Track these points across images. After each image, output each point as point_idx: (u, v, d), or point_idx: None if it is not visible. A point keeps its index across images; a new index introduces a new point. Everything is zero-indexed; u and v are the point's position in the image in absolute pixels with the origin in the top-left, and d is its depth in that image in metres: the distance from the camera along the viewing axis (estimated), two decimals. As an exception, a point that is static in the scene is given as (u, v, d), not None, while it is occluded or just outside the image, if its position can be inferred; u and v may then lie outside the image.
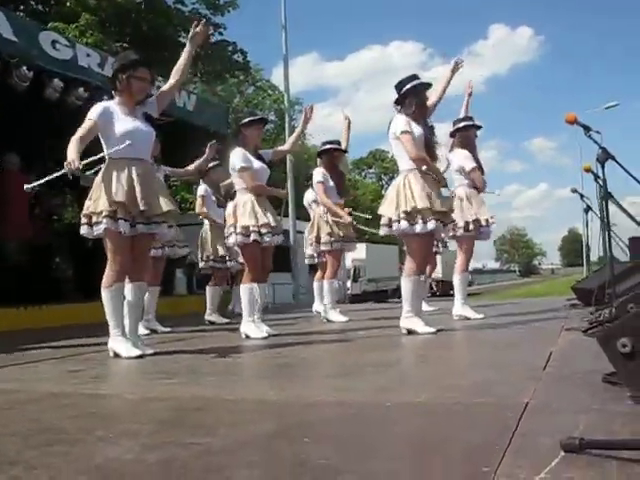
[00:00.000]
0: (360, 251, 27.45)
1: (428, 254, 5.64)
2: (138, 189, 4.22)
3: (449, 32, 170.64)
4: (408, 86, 5.09)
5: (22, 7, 17.28)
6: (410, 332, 5.01)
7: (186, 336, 6.13)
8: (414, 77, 5.17)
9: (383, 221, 5.10)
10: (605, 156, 4.03)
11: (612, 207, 4.46)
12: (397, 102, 5.18)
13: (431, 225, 4.89)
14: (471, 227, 6.30)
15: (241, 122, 5.70)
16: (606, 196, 4.39)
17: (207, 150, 6.96)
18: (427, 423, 2.19)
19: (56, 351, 4.98)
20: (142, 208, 4.22)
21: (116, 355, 4.29)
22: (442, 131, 6.22)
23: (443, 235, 6.65)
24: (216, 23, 20.63)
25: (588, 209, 6.32)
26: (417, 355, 4.36)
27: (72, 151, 4.03)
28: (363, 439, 2.01)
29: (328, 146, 7.36)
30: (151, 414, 2.52)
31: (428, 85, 5.28)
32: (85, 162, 4.01)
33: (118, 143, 4.21)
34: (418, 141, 5.00)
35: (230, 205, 5.63)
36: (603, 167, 4.14)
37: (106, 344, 4.39)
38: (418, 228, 4.91)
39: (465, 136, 6.53)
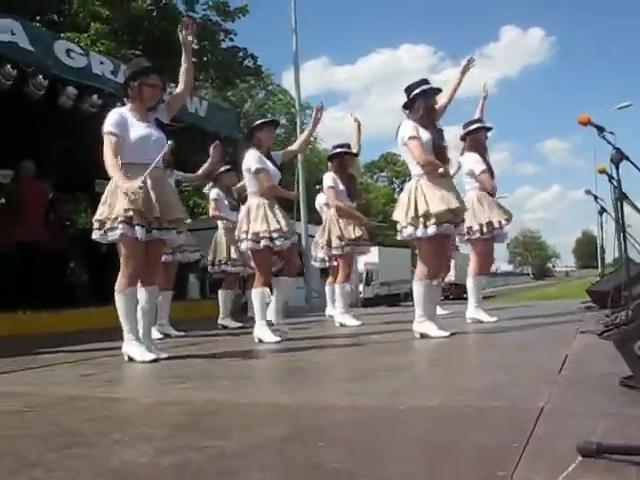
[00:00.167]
0: (373, 255, 27.40)
1: (442, 258, 5.62)
2: (153, 195, 4.25)
3: (460, 34, 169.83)
4: (417, 90, 5.09)
5: (38, 17, 17.39)
6: (423, 336, 5.00)
7: (199, 340, 6.14)
8: (424, 81, 5.17)
9: (398, 226, 5.11)
10: (619, 157, 4.02)
11: (627, 208, 4.44)
12: (405, 106, 5.18)
13: (431, 230, 4.87)
14: (485, 230, 6.28)
15: (253, 125, 5.71)
16: (621, 197, 4.37)
17: (211, 152, 6.92)
18: (440, 426, 2.19)
19: (71, 355, 5.00)
20: (157, 214, 4.24)
21: (130, 359, 4.31)
22: (452, 133, 6.22)
23: (457, 239, 6.65)
24: (226, 29, 20.71)
25: (602, 211, 6.29)
26: (430, 359, 4.36)
27: (120, 177, 4.13)
28: (376, 443, 2.01)
29: (338, 150, 7.35)
30: (165, 418, 2.54)
31: (438, 90, 5.27)
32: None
33: (131, 149, 4.24)
34: (426, 146, 5.00)
35: (242, 209, 5.65)
36: (617, 168, 4.13)
37: (120, 348, 4.41)
38: (419, 232, 4.90)
39: (475, 139, 6.51)
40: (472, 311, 6.29)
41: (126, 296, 4.31)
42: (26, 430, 2.35)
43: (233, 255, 7.64)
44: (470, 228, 6.18)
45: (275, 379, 3.81)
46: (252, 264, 6.35)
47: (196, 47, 19.72)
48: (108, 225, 4.24)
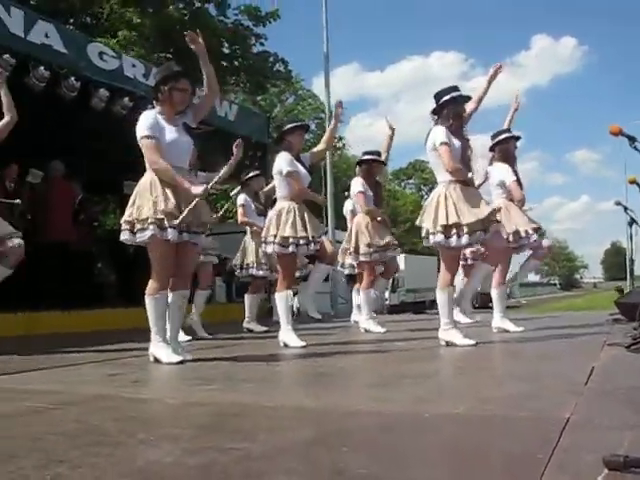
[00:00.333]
0: (399, 262, 27.34)
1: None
2: (183, 198, 4.27)
3: (491, 42, 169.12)
4: (447, 97, 5.08)
5: (72, 20, 17.61)
6: (449, 344, 4.99)
7: (225, 343, 6.17)
8: (454, 88, 5.16)
9: (423, 233, 5.10)
10: (651, 168, 3.98)
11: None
12: (434, 112, 5.17)
13: (465, 240, 4.88)
14: (511, 239, 6.25)
15: (284, 128, 5.74)
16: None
17: (234, 150, 6.82)
18: (466, 434, 2.17)
19: (98, 355, 5.05)
20: (186, 218, 4.26)
21: (156, 360, 4.33)
22: (479, 142, 6.19)
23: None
24: (257, 34, 20.80)
25: (632, 222, 6.22)
26: (455, 367, 4.34)
27: (182, 182, 4.25)
28: (401, 448, 2.01)
29: (368, 157, 7.35)
30: (191, 419, 2.55)
31: (467, 98, 5.27)
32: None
33: (161, 153, 4.28)
34: (455, 153, 4.99)
35: (272, 212, 5.67)
36: (649, 178, 4.08)
37: (146, 349, 4.44)
38: (453, 242, 4.90)
39: (505, 149, 6.47)
40: (498, 321, 6.25)
41: (156, 299, 4.33)
42: (53, 427, 2.37)
43: (261, 259, 7.67)
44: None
45: (300, 383, 3.81)
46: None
47: (227, 52, 19.86)
48: (138, 226, 4.26)
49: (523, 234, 6.24)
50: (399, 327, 7.74)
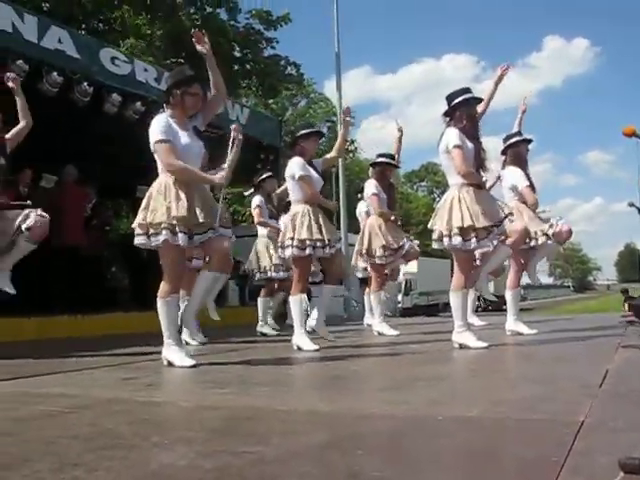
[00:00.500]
0: (412, 265, 27.26)
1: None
2: (196, 202, 4.28)
3: (503, 44, 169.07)
4: (459, 99, 5.06)
5: (84, 26, 17.70)
6: (462, 347, 4.97)
7: (238, 347, 6.17)
8: (466, 90, 5.14)
9: (436, 235, 5.08)
10: (665, 169, 3.95)
11: (672, 222, 4.36)
12: (446, 114, 5.16)
13: (481, 242, 4.89)
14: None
15: (299, 134, 5.75)
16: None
17: (233, 134, 6.49)
18: (479, 437, 2.16)
19: (111, 359, 5.06)
20: (201, 220, 4.27)
21: (169, 364, 4.34)
22: (491, 145, 6.18)
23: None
24: (268, 38, 20.85)
25: (646, 223, 6.17)
26: (469, 369, 4.32)
27: (202, 177, 4.42)
28: (415, 452, 2.00)
29: (381, 159, 7.36)
30: (205, 422, 2.55)
31: (479, 100, 5.26)
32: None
33: (176, 156, 4.29)
34: (469, 156, 4.98)
35: (287, 217, 5.69)
36: (662, 180, 4.06)
37: (159, 353, 4.45)
38: (472, 245, 4.90)
39: (516, 152, 6.45)
40: (511, 323, 6.23)
41: (168, 303, 4.34)
42: (67, 431, 2.38)
43: (275, 261, 7.67)
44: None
45: (314, 387, 3.80)
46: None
47: (238, 55, 19.90)
48: (151, 230, 4.28)
49: (532, 234, 6.23)
50: (412, 330, 7.73)
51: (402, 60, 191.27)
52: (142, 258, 8.22)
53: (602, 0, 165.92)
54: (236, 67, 19.72)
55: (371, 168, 7.56)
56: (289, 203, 6.15)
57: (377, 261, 7.05)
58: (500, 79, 5.73)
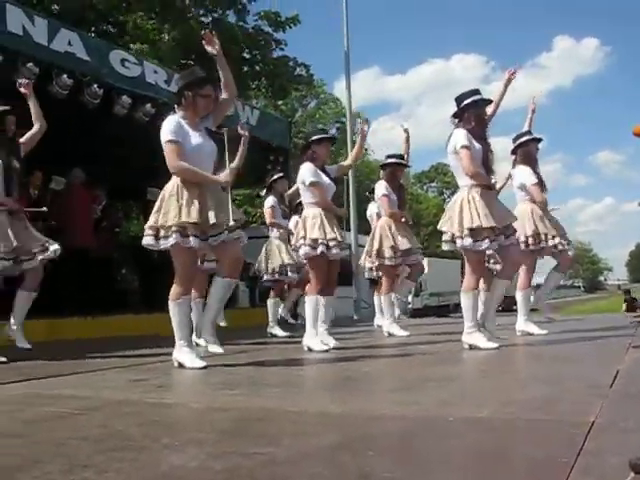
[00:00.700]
0: (423, 265, 27.22)
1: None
2: (208, 204, 4.28)
3: (512, 44, 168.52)
4: (468, 101, 5.06)
5: (93, 29, 17.75)
6: (472, 347, 4.96)
7: (248, 348, 6.17)
8: (475, 92, 5.14)
9: (446, 237, 5.07)
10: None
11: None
12: (455, 115, 5.16)
13: (495, 244, 4.88)
14: (530, 242, 6.23)
15: (312, 138, 5.75)
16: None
17: (240, 131, 6.38)
18: (490, 438, 2.15)
19: (121, 360, 5.07)
20: (214, 221, 4.27)
21: (180, 365, 4.34)
22: (501, 145, 6.17)
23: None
24: (277, 39, 20.84)
25: (658, 223, 6.14)
26: (479, 370, 4.31)
27: (205, 177, 4.36)
28: (426, 453, 2.00)
29: (392, 160, 7.35)
30: (215, 423, 2.55)
31: (488, 101, 5.26)
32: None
33: (187, 159, 4.29)
34: (476, 157, 4.98)
35: (299, 218, 5.70)
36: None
37: (169, 354, 4.45)
38: (484, 245, 4.89)
39: (526, 151, 6.47)
40: (522, 324, 6.22)
41: (179, 304, 4.34)
42: (77, 433, 2.38)
43: (287, 261, 7.68)
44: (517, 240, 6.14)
45: (324, 388, 3.80)
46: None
47: (247, 57, 19.91)
48: (162, 233, 4.28)
49: (543, 237, 6.22)
50: (423, 331, 7.72)
51: (411, 61, 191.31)
52: (152, 260, 8.25)
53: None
54: (245, 68, 19.71)
55: (381, 170, 7.55)
56: (299, 203, 6.16)
57: (386, 262, 7.04)
58: (509, 82, 5.72)
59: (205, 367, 4.26)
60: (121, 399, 3.21)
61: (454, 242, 5.00)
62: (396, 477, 1.69)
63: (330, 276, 5.65)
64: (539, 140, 6.68)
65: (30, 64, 7.29)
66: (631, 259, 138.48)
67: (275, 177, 8.03)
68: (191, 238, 4.20)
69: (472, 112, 5.06)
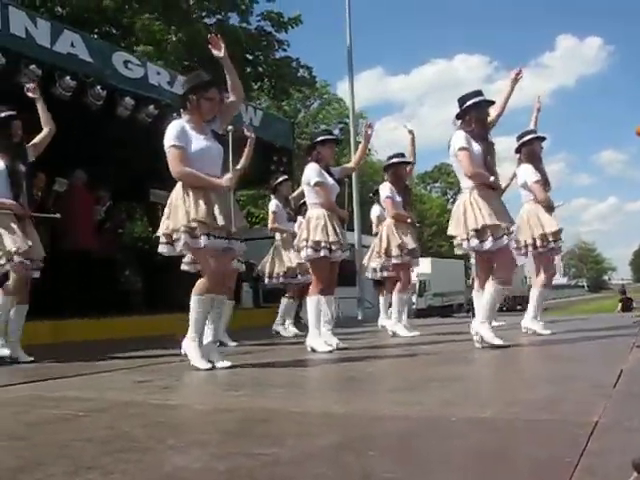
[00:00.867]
0: (425, 266, 27.26)
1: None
2: (216, 206, 4.28)
3: (515, 44, 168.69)
4: (470, 102, 5.07)
5: (96, 30, 17.78)
6: (480, 337, 4.93)
7: (253, 349, 6.18)
8: (478, 93, 5.14)
9: (456, 241, 5.09)
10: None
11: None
12: (458, 117, 5.16)
13: (500, 242, 4.88)
14: (538, 243, 6.21)
15: (316, 140, 5.76)
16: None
17: (247, 133, 6.35)
18: (493, 438, 2.15)
19: (126, 362, 5.08)
20: (220, 223, 4.26)
21: (186, 356, 4.32)
22: (507, 145, 6.16)
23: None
24: (279, 40, 20.84)
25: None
26: (483, 370, 4.31)
27: (208, 181, 4.30)
28: (428, 453, 2.00)
29: (394, 160, 7.31)
30: (219, 425, 2.55)
31: (491, 102, 5.25)
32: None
33: (192, 162, 4.28)
34: (476, 158, 4.98)
35: (303, 219, 5.71)
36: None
37: (175, 355, 4.46)
38: (488, 245, 4.88)
39: (530, 150, 6.45)
40: (528, 321, 6.21)
41: (203, 300, 4.29)
42: (81, 434, 2.39)
43: (291, 264, 7.68)
44: (525, 241, 6.14)
45: (328, 388, 3.80)
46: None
47: (250, 57, 19.92)
48: (174, 236, 4.26)
49: (550, 237, 6.21)
50: (426, 331, 7.71)
51: (414, 61, 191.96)
52: (155, 261, 8.25)
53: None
54: (248, 69, 19.73)
55: (385, 172, 7.52)
56: (304, 204, 6.17)
57: (394, 260, 7.03)
58: (515, 82, 5.69)
59: (210, 368, 4.24)
60: (126, 401, 3.22)
61: (462, 245, 5.03)
62: (399, 477, 1.69)
63: (331, 276, 5.65)
64: (543, 138, 6.68)
65: (33, 66, 7.31)
66: (635, 258, 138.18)
67: (279, 180, 8.01)
68: (201, 238, 4.19)
69: (473, 114, 5.06)
